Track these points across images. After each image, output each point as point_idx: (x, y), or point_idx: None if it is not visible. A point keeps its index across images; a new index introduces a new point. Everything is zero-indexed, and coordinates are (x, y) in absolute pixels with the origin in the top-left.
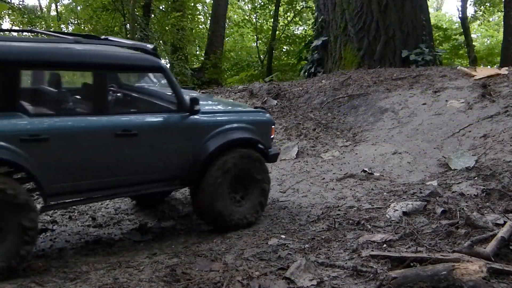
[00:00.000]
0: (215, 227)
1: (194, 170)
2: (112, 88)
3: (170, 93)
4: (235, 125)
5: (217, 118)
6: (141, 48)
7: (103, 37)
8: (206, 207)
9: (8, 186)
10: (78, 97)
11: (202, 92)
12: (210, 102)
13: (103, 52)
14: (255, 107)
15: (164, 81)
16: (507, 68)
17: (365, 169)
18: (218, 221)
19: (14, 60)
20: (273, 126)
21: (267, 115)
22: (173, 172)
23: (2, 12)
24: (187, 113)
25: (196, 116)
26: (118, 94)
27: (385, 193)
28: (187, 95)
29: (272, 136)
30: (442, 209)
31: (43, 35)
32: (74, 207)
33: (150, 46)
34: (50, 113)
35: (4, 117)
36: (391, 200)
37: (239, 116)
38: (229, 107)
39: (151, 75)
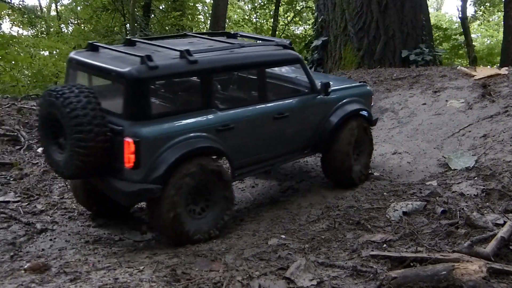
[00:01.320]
0: (341, 184)
1: (323, 139)
2: (267, 80)
3: (300, 77)
4: (350, 99)
5: (338, 94)
6: (282, 44)
7: (232, 32)
8: (338, 167)
9: (217, 166)
10: (246, 90)
11: None
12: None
13: (262, 52)
14: (359, 82)
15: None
16: (507, 68)
17: None
18: (346, 178)
19: (211, 68)
20: (372, 96)
21: (368, 87)
22: (307, 143)
23: (2, 12)
24: (317, 94)
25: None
26: (271, 84)
27: (385, 193)
28: (319, 79)
29: (372, 104)
30: (442, 209)
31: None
32: (74, 207)
33: (287, 41)
34: (231, 106)
35: (205, 113)
36: (391, 200)
37: (351, 90)
38: (341, 83)
39: None
